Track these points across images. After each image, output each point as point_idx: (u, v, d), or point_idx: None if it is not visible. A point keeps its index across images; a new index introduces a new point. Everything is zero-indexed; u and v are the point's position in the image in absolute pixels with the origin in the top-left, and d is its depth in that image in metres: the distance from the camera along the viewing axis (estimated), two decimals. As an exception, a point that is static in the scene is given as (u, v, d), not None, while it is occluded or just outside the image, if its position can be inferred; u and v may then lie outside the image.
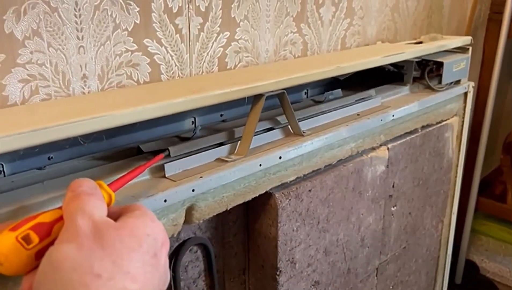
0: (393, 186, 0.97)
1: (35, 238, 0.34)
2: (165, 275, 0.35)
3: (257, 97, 0.67)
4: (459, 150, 1.21)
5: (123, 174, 0.45)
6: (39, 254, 0.34)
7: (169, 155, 0.60)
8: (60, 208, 0.37)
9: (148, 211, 0.37)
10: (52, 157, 0.63)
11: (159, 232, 0.36)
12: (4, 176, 0.58)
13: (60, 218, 0.36)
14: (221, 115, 0.81)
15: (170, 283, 0.70)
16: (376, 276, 1.01)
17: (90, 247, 0.32)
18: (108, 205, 0.39)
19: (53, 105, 0.57)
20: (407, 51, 0.92)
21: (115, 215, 0.37)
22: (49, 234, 0.35)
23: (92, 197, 0.36)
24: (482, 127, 1.62)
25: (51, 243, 0.34)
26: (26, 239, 0.34)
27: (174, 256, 0.69)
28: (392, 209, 0.99)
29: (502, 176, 1.78)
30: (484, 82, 1.61)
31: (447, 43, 1.05)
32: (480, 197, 1.73)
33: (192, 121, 0.76)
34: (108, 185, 0.41)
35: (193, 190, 0.58)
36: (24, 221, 0.35)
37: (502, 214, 1.74)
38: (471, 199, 1.70)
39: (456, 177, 1.23)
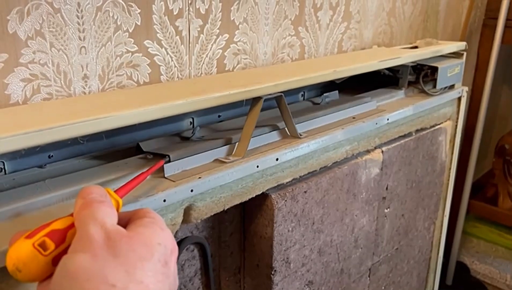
0: (386, 188, 0.99)
1: (51, 245, 0.35)
2: (175, 282, 0.36)
3: (255, 100, 0.68)
4: (452, 154, 1.23)
5: (127, 174, 0.46)
6: (56, 260, 0.35)
7: (169, 161, 0.61)
8: (71, 215, 0.37)
9: (157, 218, 0.38)
10: (52, 156, 0.64)
11: (168, 240, 0.37)
12: (5, 174, 0.59)
13: (73, 225, 0.37)
14: (219, 116, 0.82)
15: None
16: (369, 276, 1.03)
17: (104, 256, 0.33)
18: (116, 211, 0.39)
19: (56, 105, 0.58)
20: (403, 56, 0.94)
21: (124, 220, 0.38)
22: (63, 241, 0.36)
23: (102, 205, 0.37)
24: (475, 131, 1.65)
25: (67, 248, 0.35)
26: (43, 245, 0.35)
27: (171, 255, 0.70)
28: (386, 211, 1.01)
29: (494, 179, 1.81)
30: (477, 86, 1.64)
31: (442, 48, 1.06)
32: (472, 200, 1.76)
33: (190, 122, 0.77)
34: (115, 191, 0.42)
35: (191, 191, 0.59)
36: (38, 229, 0.36)
37: (494, 217, 1.77)
38: (463, 202, 1.72)
39: (448, 180, 1.25)
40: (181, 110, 0.58)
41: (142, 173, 0.50)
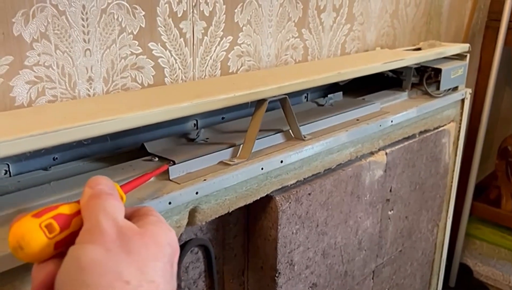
0: (390, 190, 0.99)
1: (56, 228, 0.34)
2: (175, 283, 0.36)
3: (260, 102, 0.68)
4: (455, 156, 1.22)
5: (133, 178, 0.46)
6: (58, 245, 0.34)
7: (174, 164, 0.61)
8: (78, 202, 0.37)
9: (161, 218, 0.38)
10: (57, 158, 0.64)
11: (174, 241, 0.37)
12: (10, 176, 0.59)
13: (78, 213, 0.36)
14: (223, 118, 0.82)
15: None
16: (372, 278, 1.03)
17: (117, 252, 0.32)
18: None
19: (61, 107, 0.58)
20: (407, 58, 0.94)
21: (126, 216, 0.37)
22: (67, 226, 0.35)
23: (112, 197, 0.36)
24: (478, 133, 1.64)
25: (70, 235, 0.35)
26: (49, 227, 0.34)
27: (176, 257, 0.70)
28: (389, 213, 1.01)
29: (496, 181, 1.80)
30: (480, 88, 1.63)
31: (446, 50, 1.06)
32: (475, 202, 1.75)
33: (194, 123, 0.77)
34: (120, 186, 0.42)
35: (196, 193, 0.59)
36: (45, 209, 0.35)
37: (496, 219, 1.76)
38: (466, 204, 1.72)
39: (452, 182, 1.25)
40: (186, 113, 0.58)
41: (147, 173, 0.50)
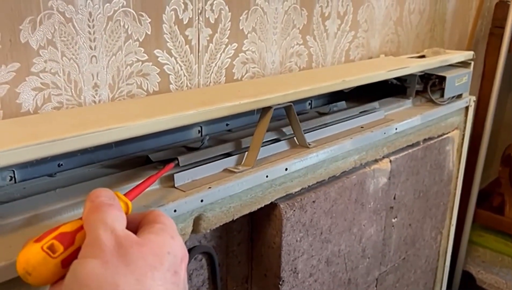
0: (394, 198, 0.99)
1: (59, 247, 0.35)
2: (185, 289, 0.37)
3: (265, 110, 0.68)
4: (459, 163, 1.22)
5: (138, 183, 0.46)
6: (66, 262, 0.35)
7: (178, 164, 0.61)
8: (80, 218, 0.37)
9: (168, 224, 0.38)
10: (62, 164, 0.64)
11: (178, 248, 0.37)
12: (15, 182, 0.59)
13: (81, 228, 0.36)
14: (227, 125, 0.82)
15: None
16: (376, 286, 1.02)
17: (114, 263, 0.33)
18: (126, 214, 0.39)
19: (67, 114, 0.58)
20: (411, 66, 0.94)
21: (134, 223, 0.38)
22: (72, 243, 0.36)
23: (111, 208, 0.36)
24: (482, 140, 1.64)
25: (76, 251, 0.35)
26: (51, 248, 0.35)
27: (180, 264, 0.70)
28: (393, 220, 1.01)
29: (500, 188, 1.79)
30: (484, 95, 1.63)
31: (450, 58, 1.06)
32: (478, 209, 1.75)
33: (199, 130, 0.77)
34: (124, 194, 0.42)
35: (201, 201, 0.59)
36: (46, 233, 0.36)
37: (500, 226, 1.75)
38: (469, 211, 1.71)
39: (455, 189, 1.24)
40: (192, 120, 0.58)
41: (152, 176, 0.50)
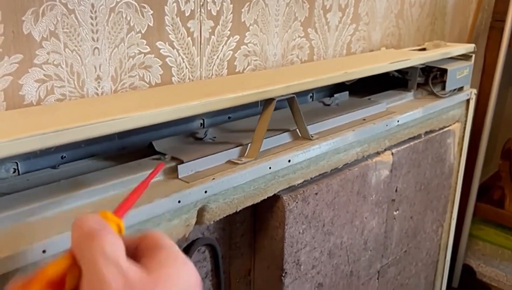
0: (396, 191, 0.99)
1: None
2: None
3: (267, 101, 0.68)
4: (460, 156, 1.22)
5: (126, 196, 0.38)
6: None
7: (182, 162, 0.61)
8: (67, 254, 0.31)
9: (172, 247, 0.33)
10: (65, 156, 0.64)
11: (193, 275, 0.32)
12: (19, 174, 0.59)
13: (71, 265, 0.31)
14: (229, 117, 0.82)
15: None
16: (378, 279, 1.02)
17: None
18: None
19: (70, 106, 0.58)
20: (413, 58, 0.94)
21: (131, 248, 0.33)
22: (63, 286, 0.30)
23: (105, 233, 0.31)
24: (482, 134, 1.64)
25: None
26: None
27: (183, 256, 0.70)
28: (395, 213, 1.01)
29: (500, 181, 1.80)
30: (484, 89, 1.63)
31: (451, 50, 1.06)
32: (478, 203, 1.75)
33: (201, 123, 0.77)
34: (113, 212, 0.34)
35: (205, 192, 0.59)
36: (29, 282, 0.30)
37: (500, 219, 1.76)
38: (470, 204, 1.72)
39: (456, 182, 1.24)
40: (196, 111, 0.58)
41: (141, 183, 0.41)
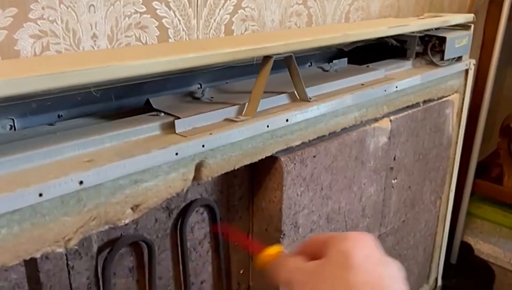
0: (394, 159, 0.99)
1: None
2: None
3: (265, 59, 0.68)
4: (458, 128, 1.22)
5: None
6: None
7: (179, 118, 0.61)
8: None
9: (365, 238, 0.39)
10: (61, 115, 0.63)
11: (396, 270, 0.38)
12: (15, 130, 0.58)
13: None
14: (226, 83, 0.82)
15: (176, 242, 0.71)
16: (376, 247, 1.03)
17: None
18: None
19: (67, 56, 0.57)
20: (412, 24, 0.93)
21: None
22: None
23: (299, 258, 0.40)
24: (481, 109, 1.64)
25: None
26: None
27: (181, 216, 0.70)
28: (393, 181, 1.01)
29: (499, 159, 1.80)
30: (483, 64, 1.63)
31: (450, 18, 1.06)
32: (477, 180, 1.75)
33: (198, 87, 0.77)
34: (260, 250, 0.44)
35: (203, 146, 0.58)
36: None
37: (498, 196, 1.76)
38: (468, 181, 1.72)
39: (455, 154, 1.24)
40: (193, 64, 0.57)
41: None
